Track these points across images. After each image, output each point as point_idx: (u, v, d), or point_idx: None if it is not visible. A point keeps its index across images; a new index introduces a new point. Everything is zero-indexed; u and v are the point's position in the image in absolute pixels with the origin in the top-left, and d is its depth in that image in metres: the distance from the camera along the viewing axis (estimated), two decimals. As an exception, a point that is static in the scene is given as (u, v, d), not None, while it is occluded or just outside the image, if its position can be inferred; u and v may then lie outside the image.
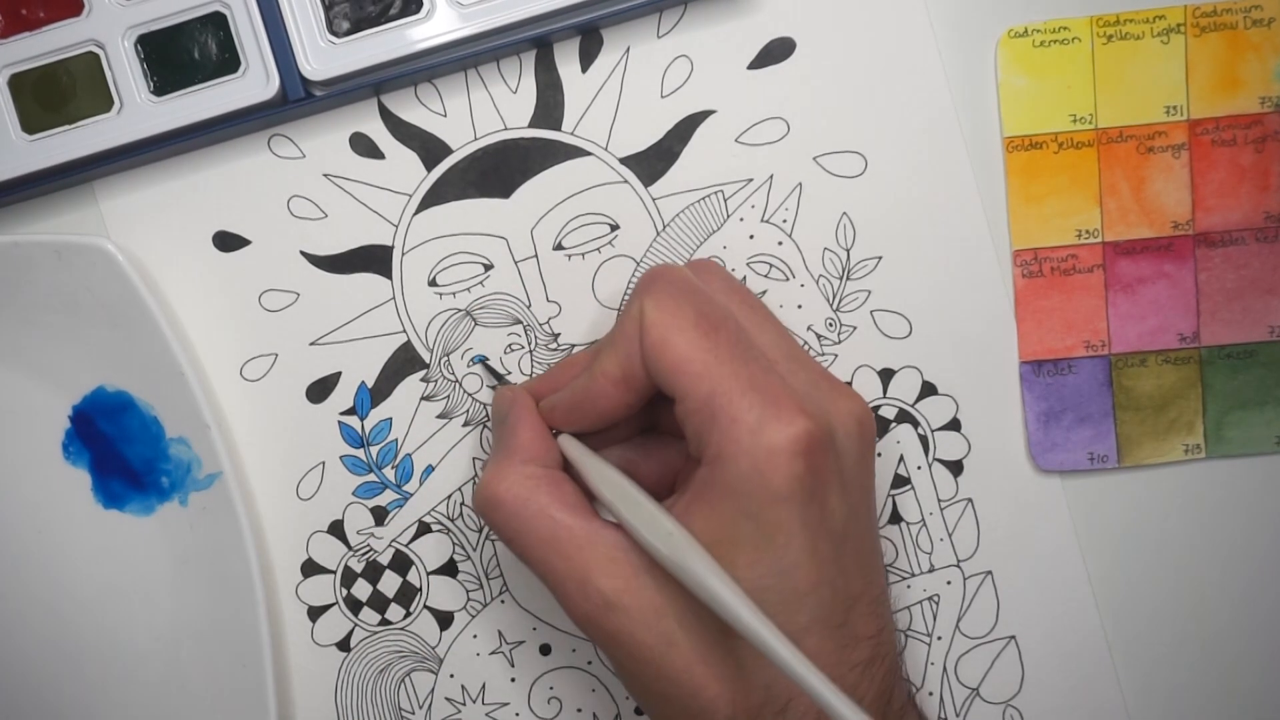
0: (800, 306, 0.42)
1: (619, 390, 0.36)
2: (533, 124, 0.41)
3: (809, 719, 0.34)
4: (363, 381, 0.42)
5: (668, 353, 0.34)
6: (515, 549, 0.36)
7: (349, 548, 0.42)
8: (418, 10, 0.39)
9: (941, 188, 0.41)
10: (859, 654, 0.35)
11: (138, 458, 0.41)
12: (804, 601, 0.33)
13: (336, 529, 0.42)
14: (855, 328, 0.42)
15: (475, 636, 0.42)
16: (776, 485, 0.33)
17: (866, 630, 0.35)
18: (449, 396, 0.42)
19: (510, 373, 0.42)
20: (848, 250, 0.42)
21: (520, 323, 0.42)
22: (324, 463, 0.42)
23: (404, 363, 0.42)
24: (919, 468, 0.42)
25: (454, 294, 0.42)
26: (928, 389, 0.42)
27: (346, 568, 0.42)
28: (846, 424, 0.35)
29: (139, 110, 0.40)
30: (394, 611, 0.42)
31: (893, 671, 0.36)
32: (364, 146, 0.41)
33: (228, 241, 0.42)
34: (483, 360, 0.41)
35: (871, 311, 0.42)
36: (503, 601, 0.42)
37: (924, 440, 0.42)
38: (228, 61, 0.40)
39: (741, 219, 0.41)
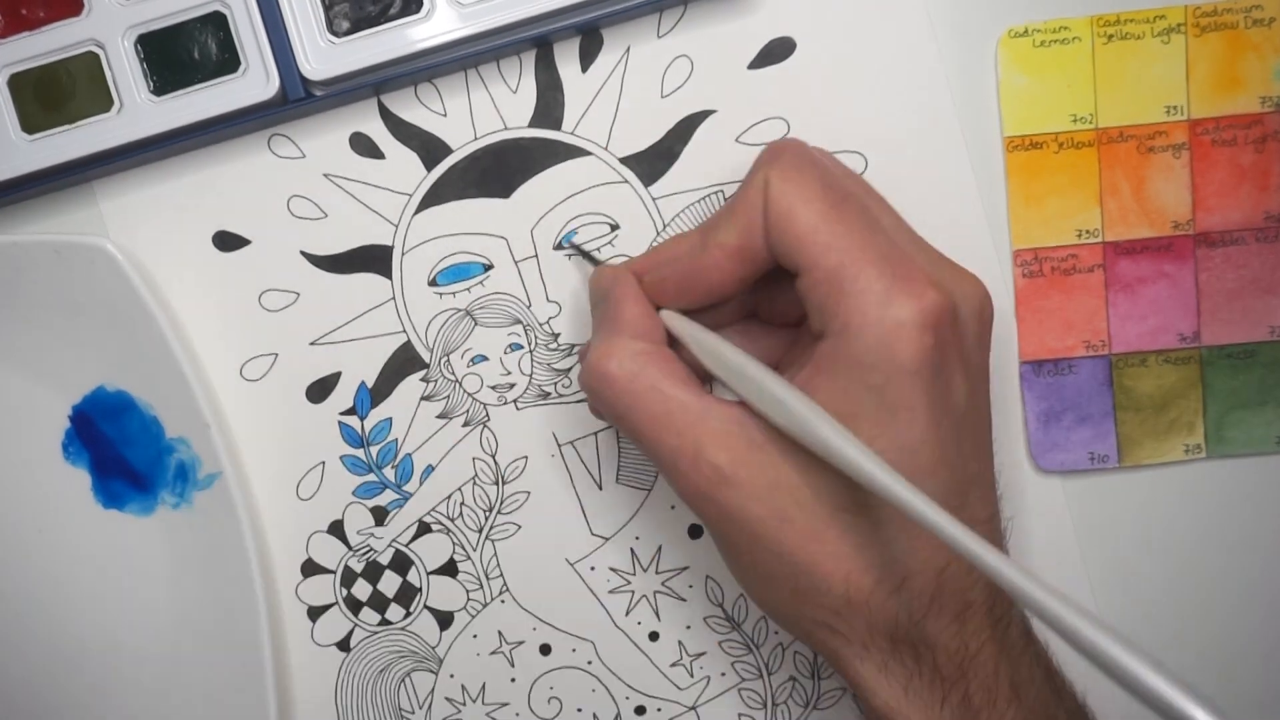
0: (800, 306, 0.42)
1: (734, 263, 0.35)
2: (533, 124, 0.41)
3: (925, 595, 0.33)
4: (363, 381, 0.42)
5: (794, 222, 0.33)
6: (624, 426, 0.35)
7: (349, 548, 0.42)
8: (418, 10, 0.39)
9: (941, 187, 0.41)
10: None
11: (138, 458, 0.41)
12: (925, 481, 0.32)
13: (336, 529, 0.42)
14: (855, 328, 0.42)
15: (475, 636, 0.42)
16: (904, 359, 0.32)
17: (981, 514, 0.34)
18: (449, 396, 0.42)
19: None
20: (848, 250, 0.41)
21: (520, 322, 0.42)
22: (324, 463, 0.42)
23: (404, 363, 0.42)
24: (919, 468, 0.42)
25: (454, 294, 0.42)
26: (928, 389, 0.42)
27: (346, 568, 0.42)
28: (971, 303, 0.34)
29: (139, 110, 0.40)
30: (394, 611, 0.42)
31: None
32: (364, 146, 0.41)
33: (228, 241, 0.42)
34: (572, 242, 0.41)
35: (872, 311, 0.42)
36: (503, 601, 0.42)
37: (924, 440, 0.42)
38: (228, 61, 0.40)
39: (742, 219, 0.41)
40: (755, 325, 0.38)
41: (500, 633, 0.42)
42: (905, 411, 0.32)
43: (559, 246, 0.40)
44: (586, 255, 0.41)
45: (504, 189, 0.41)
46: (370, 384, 0.42)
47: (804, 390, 0.33)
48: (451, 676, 0.42)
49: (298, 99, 0.40)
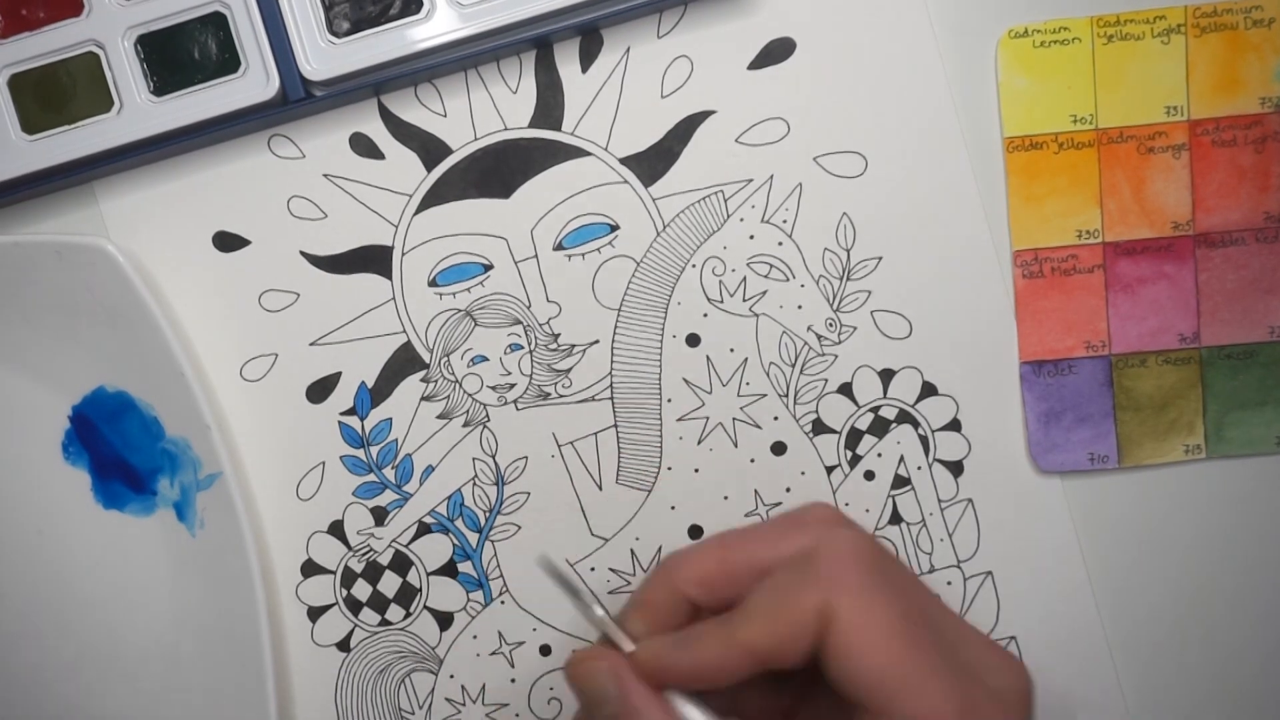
0: (800, 307, 0.42)
1: (757, 663, 0.31)
2: (533, 124, 0.41)
3: None
4: (363, 382, 0.42)
5: (865, 668, 0.30)
6: None
7: (349, 548, 0.42)
8: (418, 10, 0.39)
9: (942, 188, 0.41)
10: None
11: (138, 458, 0.41)
12: None
13: (336, 529, 0.42)
14: (855, 328, 0.42)
15: (475, 637, 0.42)
16: None
17: None
18: (449, 397, 0.42)
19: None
20: (848, 250, 0.42)
21: (520, 323, 0.42)
22: (324, 463, 0.42)
23: (404, 363, 0.42)
24: (919, 468, 0.42)
25: (454, 294, 0.42)
26: (928, 389, 0.42)
27: (346, 568, 0.42)
28: (1018, 701, 0.32)
29: (139, 110, 0.40)
30: (394, 612, 0.42)
31: None
32: (364, 147, 0.41)
33: (228, 242, 0.42)
34: (556, 573, 0.34)
35: (872, 312, 0.42)
36: (503, 602, 0.42)
37: (924, 441, 0.42)
38: (228, 62, 0.40)
39: (742, 219, 0.41)
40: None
41: (500, 633, 0.42)
42: None
43: (551, 570, 0.34)
44: (564, 584, 0.34)
45: (504, 189, 0.41)
46: (370, 384, 0.42)
47: None
48: (451, 677, 0.42)
49: (298, 99, 0.40)
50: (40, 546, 0.42)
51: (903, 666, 0.30)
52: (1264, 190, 0.41)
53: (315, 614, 0.42)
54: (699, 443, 0.42)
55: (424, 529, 0.42)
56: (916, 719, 0.29)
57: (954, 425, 0.42)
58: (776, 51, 0.41)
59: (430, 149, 0.41)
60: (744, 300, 0.42)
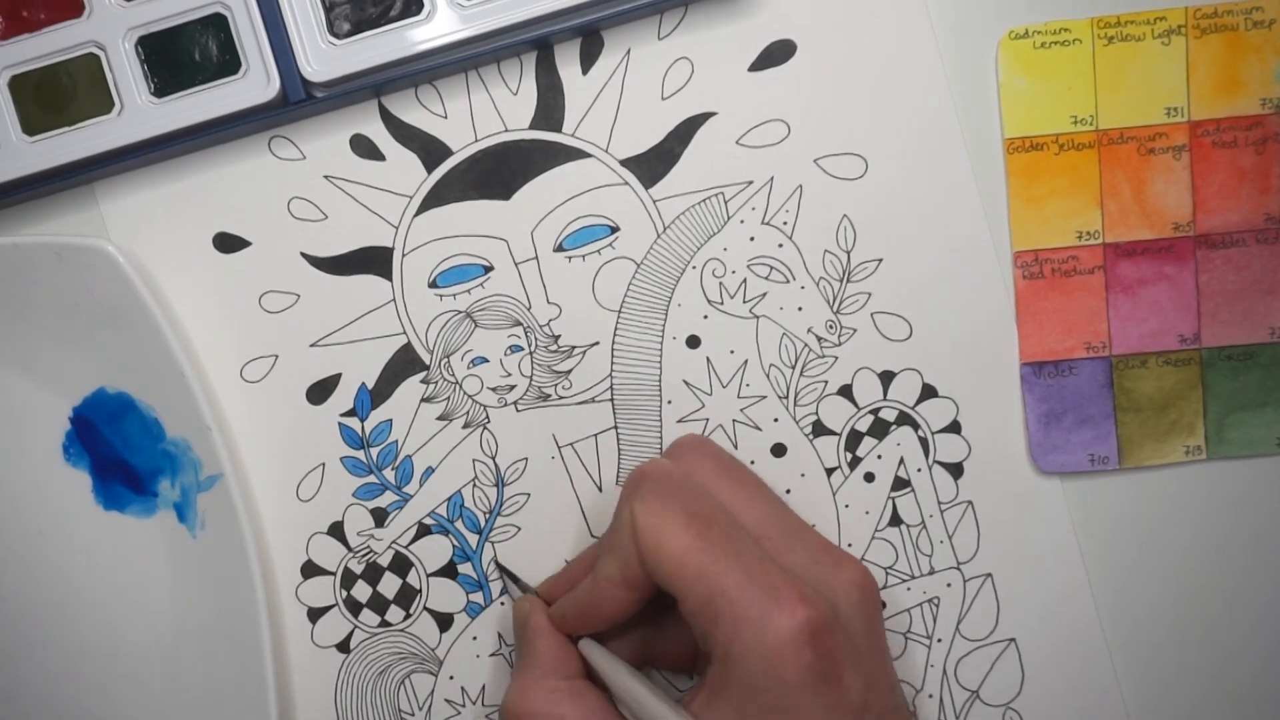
0: (801, 309, 0.42)
1: (623, 592, 0.36)
2: (533, 125, 0.41)
3: None
4: (363, 383, 0.42)
5: (663, 556, 0.35)
6: None
7: (349, 549, 0.42)
8: (418, 12, 0.39)
9: (942, 190, 0.41)
10: None
11: (138, 459, 0.41)
12: None
13: (336, 530, 0.42)
14: (855, 330, 0.42)
15: (475, 638, 0.42)
16: (789, 678, 0.33)
17: None
18: (449, 398, 0.42)
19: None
20: (848, 252, 0.42)
21: (520, 324, 0.42)
22: (324, 464, 0.42)
23: (404, 364, 0.42)
24: (919, 470, 0.42)
25: (454, 296, 0.42)
26: (928, 391, 0.42)
27: (346, 569, 0.42)
28: (849, 594, 0.36)
29: (139, 112, 0.40)
30: (394, 613, 0.42)
31: None
32: (364, 148, 0.41)
33: (228, 243, 0.42)
34: (501, 566, 0.42)
35: (872, 314, 0.42)
36: (502, 603, 0.42)
37: (924, 443, 0.42)
38: (228, 63, 0.40)
39: (742, 221, 0.41)
40: (673, 615, 0.39)
41: (500, 635, 0.42)
42: None
43: (500, 566, 0.42)
44: (511, 577, 0.41)
45: (504, 191, 0.41)
46: (370, 385, 0.42)
47: (702, 715, 0.35)
48: (451, 678, 0.42)
49: (298, 100, 0.40)
50: (41, 548, 0.42)
51: (696, 554, 0.34)
52: (1264, 191, 0.41)
53: (315, 615, 0.42)
54: (699, 444, 0.42)
55: (424, 530, 0.42)
56: (712, 596, 0.34)
57: (954, 427, 0.42)
58: (777, 53, 0.41)
59: (431, 150, 0.41)
60: (744, 302, 0.42)
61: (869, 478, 0.42)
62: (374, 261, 0.42)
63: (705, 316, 0.42)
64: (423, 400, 0.42)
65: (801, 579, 0.35)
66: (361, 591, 0.42)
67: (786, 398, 0.42)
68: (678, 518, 0.35)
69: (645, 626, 0.39)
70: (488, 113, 0.41)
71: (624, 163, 0.41)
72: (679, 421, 0.42)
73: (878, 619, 0.37)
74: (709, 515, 0.35)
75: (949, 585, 0.42)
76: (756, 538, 0.36)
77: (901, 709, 0.37)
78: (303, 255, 0.42)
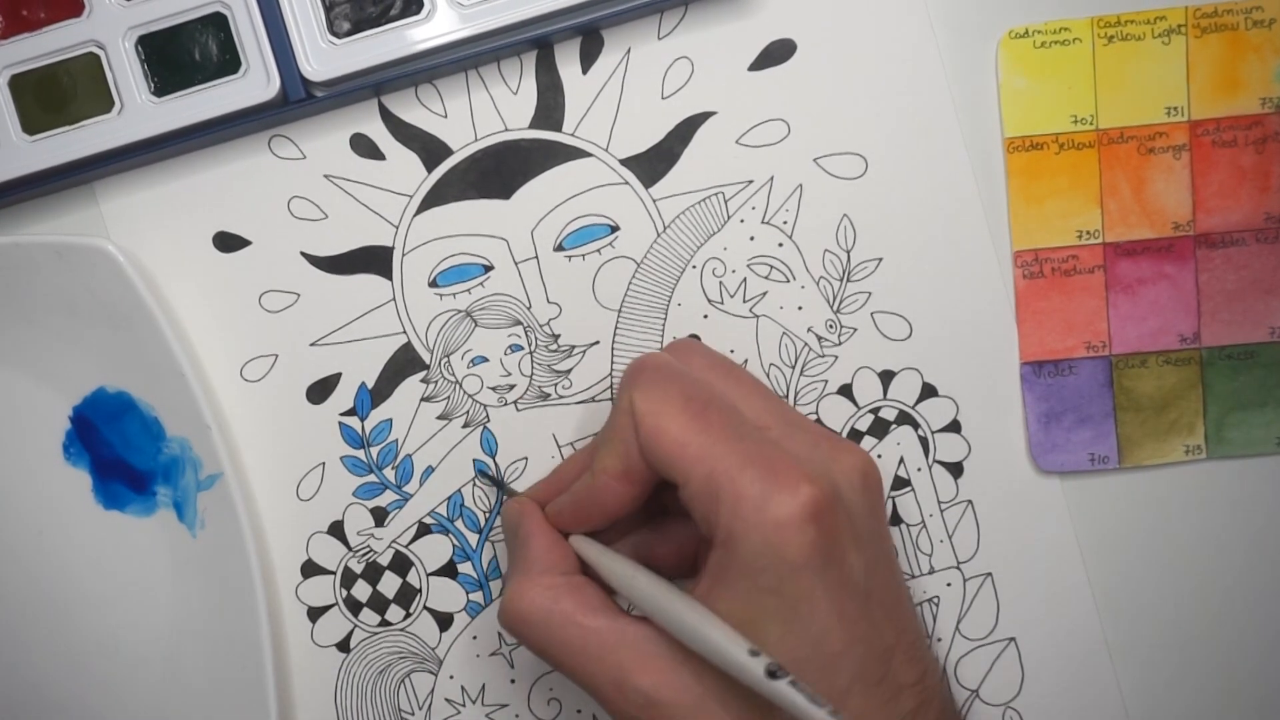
0: (800, 308, 0.42)
1: (622, 485, 0.36)
2: (533, 125, 0.41)
3: None
4: (363, 382, 0.42)
5: (663, 440, 0.34)
6: (549, 660, 0.36)
7: (349, 548, 0.42)
8: (418, 11, 0.39)
9: (942, 189, 0.41)
10: (905, 703, 0.34)
11: (138, 459, 0.41)
12: (840, 664, 0.33)
13: (336, 530, 0.42)
14: (855, 329, 0.42)
15: (475, 638, 0.42)
16: (791, 556, 0.33)
17: (908, 678, 0.35)
18: (449, 397, 0.42)
19: (509, 480, 0.42)
20: (848, 252, 0.42)
21: (520, 324, 0.42)
22: (324, 463, 0.42)
23: (404, 364, 0.42)
24: (919, 469, 0.42)
25: (454, 295, 0.42)
26: (928, 390, 0.42)
27: (346, 568, 0.42)
28: (850, 478, 0.35)
29: (139, 111, 0.40)
30: (394, 612, 0.42)
31: (945, 712, 0.36)
32: (364, 147, 0.41)
33: (228, 242, 0.42)
34: (482, 470, 0.42)
35: (872, 313, 0.42)
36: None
37: (924, 442, 0.42)
38: (228, 62, 0.40)
39: (742, 220, 0.42)
40: (668, 520, 0.39)
41: (500, 634, 0.42)
42: (805, 605, 0.33)
43: (481, 473, 0.42)
44: (495, 480, 0.41)
45: (504, 190, 0.41)
46: (370, 385, 0.42)
47: (705, 600, 0.34)
48: (451, 678, 0.42)
49: (298, 100, 0.40)
50: (41, 547, 0.42)
51: (696, 435, 0.34)
52: (1264, 191, 0.41)
53: (315, 614, 0.42)
54: (699, 443, 0.42)
55: (424, 530, 0.42)
56: (713, 476, 0.33)
57: (954, 426, 0.42)
58: (777, 53, 0.41)
59: (431, 150, 0.41)
60: (744, 301, 0.42)
61: (869, 477, 0.42)
62: (374, 261, 0.42)
63: (705, 316, 0.42)
64: (423, 399, 0.42)
65: (804, 461, 0.34)
66: (361, 591, 0.42)
67: (787, 397, 0.42)
68: (676, 402, 0.35)
69: (641, 530, 0.39)
70: (488, 112, 0.41)
71: (624, 162, 0.41)
72: (679, 421, 0.42)
73: (880, 504, 0.37)
74: (707, 399, 0.35)
75: (949, 585, 0.42)
76: (757, 427, 0.36)
77: (903, 601, 0.36)
78: (303, 254, 0.42)
